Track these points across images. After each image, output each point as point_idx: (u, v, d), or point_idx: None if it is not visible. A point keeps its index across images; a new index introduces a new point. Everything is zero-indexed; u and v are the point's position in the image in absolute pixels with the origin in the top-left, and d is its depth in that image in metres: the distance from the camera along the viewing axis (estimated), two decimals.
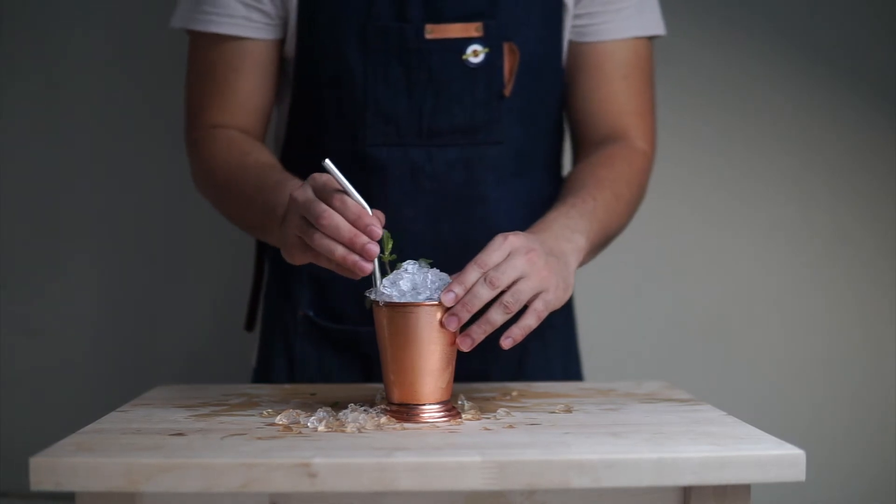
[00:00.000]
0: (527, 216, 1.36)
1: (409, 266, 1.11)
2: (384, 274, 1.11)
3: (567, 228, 1.23)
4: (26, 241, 1.91)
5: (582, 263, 1.25)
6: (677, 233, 1.93)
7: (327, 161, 1.08)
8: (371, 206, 1.08)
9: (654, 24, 1.45)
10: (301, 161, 1.42)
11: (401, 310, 1.08)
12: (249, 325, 1.56)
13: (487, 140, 1.37)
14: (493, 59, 1.35)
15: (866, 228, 1.92)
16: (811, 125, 1.91)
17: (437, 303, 1.07)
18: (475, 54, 1.34)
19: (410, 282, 1.09)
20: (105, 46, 1.90)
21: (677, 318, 1.93)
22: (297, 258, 1.12)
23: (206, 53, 1.41)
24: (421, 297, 1.08)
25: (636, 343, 1.92)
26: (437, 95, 1.35)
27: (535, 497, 0.98)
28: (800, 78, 1.91)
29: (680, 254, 1.93)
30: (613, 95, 1.43)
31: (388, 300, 1.08)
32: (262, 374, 1.49)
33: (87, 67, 1.90)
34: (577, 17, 1.41)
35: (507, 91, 1.36)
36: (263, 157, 1.35)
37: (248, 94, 1.40)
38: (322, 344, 1.44)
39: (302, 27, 1.38)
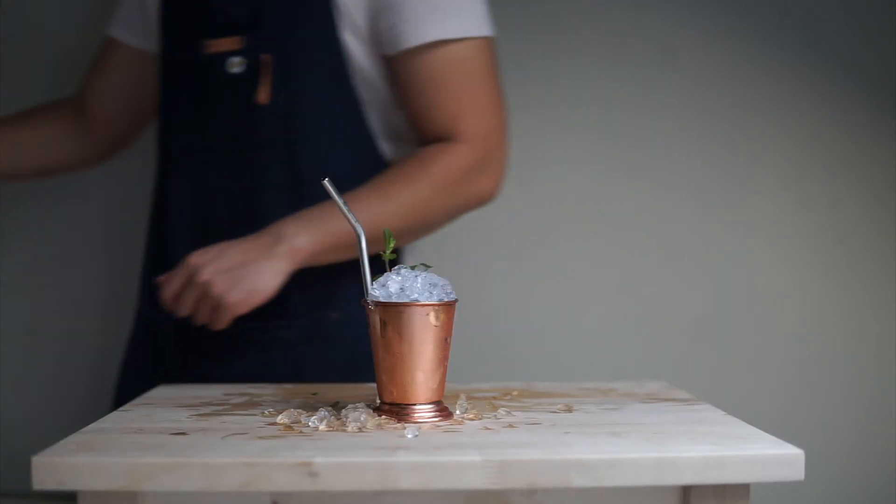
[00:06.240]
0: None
1: (402, 269, 1.12)
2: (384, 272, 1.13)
3: (288, 229, 1.35)
4: (27, 240, 1.92)
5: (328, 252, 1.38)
6: (677, 232, 1.93)
7: (326, 181, 1.13)
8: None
9: (461, 27, 1.41)
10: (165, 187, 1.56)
11: (391, 310, 1.09)
12: None
13: (253, 145, 1.45)
14: (251, 70, 1.44)
15: (865, 228, 1.92)
16: (809, 126, 1.91)
17: (426, 303, 1.09)
18: (236, 65, 1.45)
19: (399, 284, 1.11)
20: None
21: (677, 318, 1.93)
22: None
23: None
24: (410, 298, 1.09)
25: (636, 343, 1.93)
26: (210, 106, 1.48)
27: (536, 496, 0.98)
28: (799, 78, 1.91)
29: (680, 253, 1.93)
30: (429, 106, 1.43)
31: (377, 300, 1.10)
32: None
33: (86, 67, 1.90)
34: (378, 32, 1.43)
35: (263, 98, 1.43)
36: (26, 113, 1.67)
37: (108, 79, 1.66)
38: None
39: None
